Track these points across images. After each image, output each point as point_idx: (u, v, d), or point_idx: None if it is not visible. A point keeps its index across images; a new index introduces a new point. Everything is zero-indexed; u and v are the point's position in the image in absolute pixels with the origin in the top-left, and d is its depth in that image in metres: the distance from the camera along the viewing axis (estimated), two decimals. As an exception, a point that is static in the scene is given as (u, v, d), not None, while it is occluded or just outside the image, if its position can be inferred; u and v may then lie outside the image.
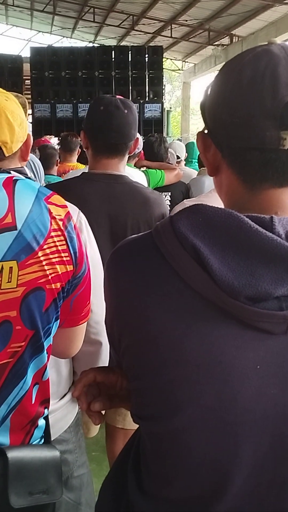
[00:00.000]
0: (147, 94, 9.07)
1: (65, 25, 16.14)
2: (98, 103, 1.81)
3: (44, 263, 0.96)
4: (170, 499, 0.78)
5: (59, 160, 4.20)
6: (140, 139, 2.88)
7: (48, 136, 7.79)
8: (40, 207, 0.97)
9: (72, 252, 1.00)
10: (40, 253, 0.95)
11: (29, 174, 1.20)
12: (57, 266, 0.98)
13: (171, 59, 17.50)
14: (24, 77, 9.31)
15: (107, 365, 1.43)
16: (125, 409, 0.93)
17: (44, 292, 0.97)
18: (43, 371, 1.03)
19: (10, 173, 1.02)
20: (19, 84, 9.04)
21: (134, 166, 3.19)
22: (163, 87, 9.45)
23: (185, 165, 4.89)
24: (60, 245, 0.98)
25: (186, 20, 12.67)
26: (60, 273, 0.99)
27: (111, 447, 2.09)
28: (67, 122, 8.61)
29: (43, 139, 5.72)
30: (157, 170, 3.35)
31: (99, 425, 1.79)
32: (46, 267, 0.96)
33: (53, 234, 0.97)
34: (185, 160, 4.89)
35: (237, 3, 10.79)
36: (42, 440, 1.09)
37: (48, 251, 0.96)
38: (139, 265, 0.73)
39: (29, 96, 8.73)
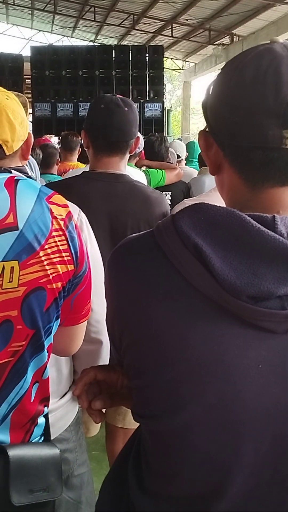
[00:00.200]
0: (147, 94, 9.08)
1: (65, 24, 16.15)
2: (98, 102, 1.81)
3: (45, 263, 0.96)
4: (171, 498, 0.79)
5: (59, 159, 4.20)
6: (141, 138, 2.88)
7: (48, 135, 7.80)
8: (42, 207, 0.97)
9: (73, 251, 1.00)
10: (41, 253, 0.95)
11: (30, 173, 1.20)
12: (58, 266, 0.98)
13: (171, 59, 17.50)
14: (24, 76, 9.31)
15: (107, 363, 1.43)
16: (126, 407, 0.93)
17: (45, 291, 0.97)
18: (43, 370, 1.04)
19: (11, 172, 1.02)
20: (20, 83, 9.04)
21: (135, 165, 3.18)
22: (164, 86, 9.45)
23: (186, 164, 4.89)
24: (61, 245, 0.98)
25: (187, 20, 12.68)
26: (61, 272, 0.99)
27: (111, 446, 2.09)
28: (67, 121, 8.62)
29: (43, 138, 5.73)
30: (158, 169, 3.35)
31: (99, 425, 1.80)
32: (47, 267, 0.96)
33: (54, 234, 0.97)
34: (185, 159, 4.89)
35: (238, 3, 10.80)
36: (42, 438, 1.09)
37: (49, 251, 0.96)
38: (141, 264, 0.73)
39: (30, 95, 8.73)
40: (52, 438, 1.13)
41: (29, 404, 1.02)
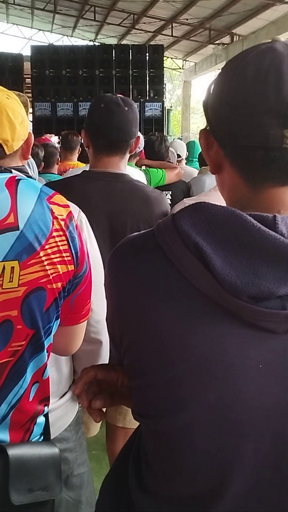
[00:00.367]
0: (147, 93, 9.07)
1: (65, 23, 16.15)
2: (98, 101, 1.81)
3: (45, 263, 0.96)
4: (171, 498, 0.79)
5: (59, 159, 4.20)
6: (141, 138, 2.88)
7: (48, 134, 7.80)
8: (42, 207, 0.97)
9: (73, 252, 1.00)
10: (41, 253, 0.95)
11: (30, 172, 1.20)
12: (59, 266, 0.98)
13: (171, 58, 17.50)
14: (24, 76, 9.31)
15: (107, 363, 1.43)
16: (126, 406, 0.93)
17: (45, 291, 0.97)
18: (43, 370, 1.04)
19: (11, 172, 1.02)
20: (20, 83, 9.04)
21: (135, 165, 3.18)
22: (164, 86, 9.44)
23: (186, 164, 4.89)
24: (61, 245, 0.98)
25: (187, 19, 12.67)
26: (61, 273, 0.99)
27: (111, 446, 2.09)
28: (67, 121, 8.62)
29: (43, 137, 5.73)
30: (158, 169, 3.35)
31: (99, 425, 1.80)
32: (47, 267, 0.96)
33: (55, 234, 0.97)
34: (186, 159, 4.89)
35: (238, 2, 10.80)
36: (42, 437, 1.09)
37: (49, 251, 0.96)
38: (141, 263, 0.73)
39: (30, 95, 8.73)
40: (51, 438, 1.13)
41: (28, 404, 1.02)
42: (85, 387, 0.89)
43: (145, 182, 2.57)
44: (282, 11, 10.75)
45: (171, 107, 15.30)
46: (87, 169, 1.89)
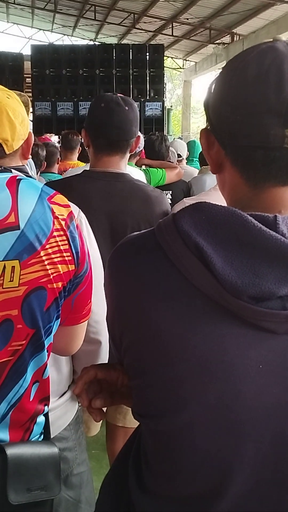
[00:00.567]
0: (148, 93, 9.07)
1: (66, 23, 16.15)
2: (99, 101, 1.81)
3: (46, 262, 0.96)
4: (171, 498, 0.78)
5: (60, 158, 4.20)
6: (141, 137, 2.87)
7: (48, 134, 7.80)
8: (43, 207, 0.97)
9: (74, 251, 1.00)
10: (42, 253, 0.95)
11: (30, 172, 1.20)
12: (59, 266, 0.98)
13: (172, 58, 17.49)
14: (25, 75, 9.31)
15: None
16: (126, 406, 0.93)
17: (46, 291, 0.97)
18: (44, 369, 1.04)
19: (11, 171, 1.02)
20: (20, 82, 9.04)
21: (135, 164, 3.18)
22: (164, 85, 9.45)
23: (187, 163, 4.89)
24: (62, 245, 0.98)
25: (187, 19, 12.67)
26: (61, 272, 0.99)
27: (112, 445, 2.09)
28: (67, 120, 8.62)
29: (43, 137, 5.73)
30: (158, 168, 3.34)
31: (99, 424, 1.80)
32: (48, 267, 0.96)
33: (55, 234, 0.97)
34: (186, 158, 4.89)
35: (238, 2, 10.80)
36: (42, 437, 1.09)
37: (50, 250, 0.96)
38: (141, 263, 0.73)
39: (30, 94, 8.73)
40: (51, 437, 1.13)
41: (28, 403, 1.02)
42: (85, 386, 0.89)
43: (145, 181, 2.57)
44: (283, 10, 10.75)
45: (171, 106, 15.29)
46: (87, 169, 1.89)
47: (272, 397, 0.69)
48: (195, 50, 15.61)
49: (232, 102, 0.70)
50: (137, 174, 2.47)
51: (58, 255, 0.98)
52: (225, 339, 0.68)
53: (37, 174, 3.12)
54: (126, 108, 1.76)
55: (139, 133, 1.94)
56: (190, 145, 5.37)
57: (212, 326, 0.68)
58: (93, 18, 14.13)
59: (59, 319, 1.04)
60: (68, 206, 1.03)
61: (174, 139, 6.06)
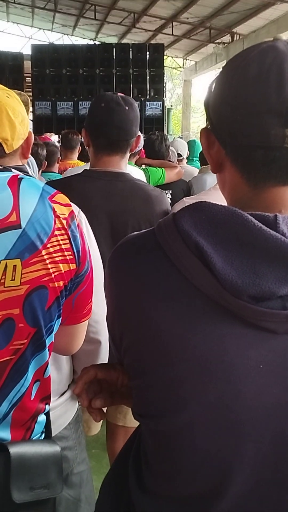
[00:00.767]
0: (148, 92, 9.08)
1: (66, 22, 16.14)
2: (99, 100, 1.81)
3: (47, 261, 0.96)
4: (171, 498, 0.78)
5: (60, 158, 4.20)
6: (141, 137, 2.88)
7: (48, 133, 7.80)
8: (45, 206, 0.97)
9: (75, 250, 1.01)
10: (43, 252, 0.96)
11: (30, 172, 1.20)
12: (60, 265, 0.98)
13: (172, 57, 17.50)
14: (25, 75, 9.31)
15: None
16: (126, 406, 0.93)
17: (47, 290, 0.97)
18: (45, 369, 1.04)
19: (11, 171, 1.02)
20: (20, 82, 9.04)
21: (135, 164, 3.18)
22: (164, 85, 9.45)
23: (187, 163, 4.89)
24: (63, 244, 0.98)
25: (187, 18, 12.67)
26: (63, 271, 0.99)
27: (112, 445, 2.09)
28: (67, 120, 8.63)
29: (43, 136, 5.73)
30: (158, 168, 3.34)
31: (100, 424, 1.80)
32: (49, 266, 0.96)
33: (56, 233, 0.97)
34: (186, 158, 4.89)
35: (238, 1, 10.80)
36: (43, 435, 1.10)
37: (51, 249, 0.97)
38: (141, 263, 0.73)
39: (30, 94, 8.73)
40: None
41: (30, 402, 1.02)
42: (85, 386, 0.89)
43: (144, 181, 2.58)
44: (283, 10, 10.75)
45: (171, 106, 15.26)
46: (88, 168, 1.89)
47: (272, 397, 0.68)
48: (195, 49, 15.61)
49: (233, 102, 0.70)
50: (136, 173, 2.47)
51: (59, 254, 0.98)
52: (225, 339, 0.68)
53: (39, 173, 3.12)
54: (126, 107, 1.76)
55: (139, 133, 1.95)
56: (190, 144, 5.37)
57: (212, 326, 0.68)
58: (93, 17, 14.13)
59: (61, 318, 1.04)
60: (69, 205, 1.03)
61: (174, 138, 6.06)
